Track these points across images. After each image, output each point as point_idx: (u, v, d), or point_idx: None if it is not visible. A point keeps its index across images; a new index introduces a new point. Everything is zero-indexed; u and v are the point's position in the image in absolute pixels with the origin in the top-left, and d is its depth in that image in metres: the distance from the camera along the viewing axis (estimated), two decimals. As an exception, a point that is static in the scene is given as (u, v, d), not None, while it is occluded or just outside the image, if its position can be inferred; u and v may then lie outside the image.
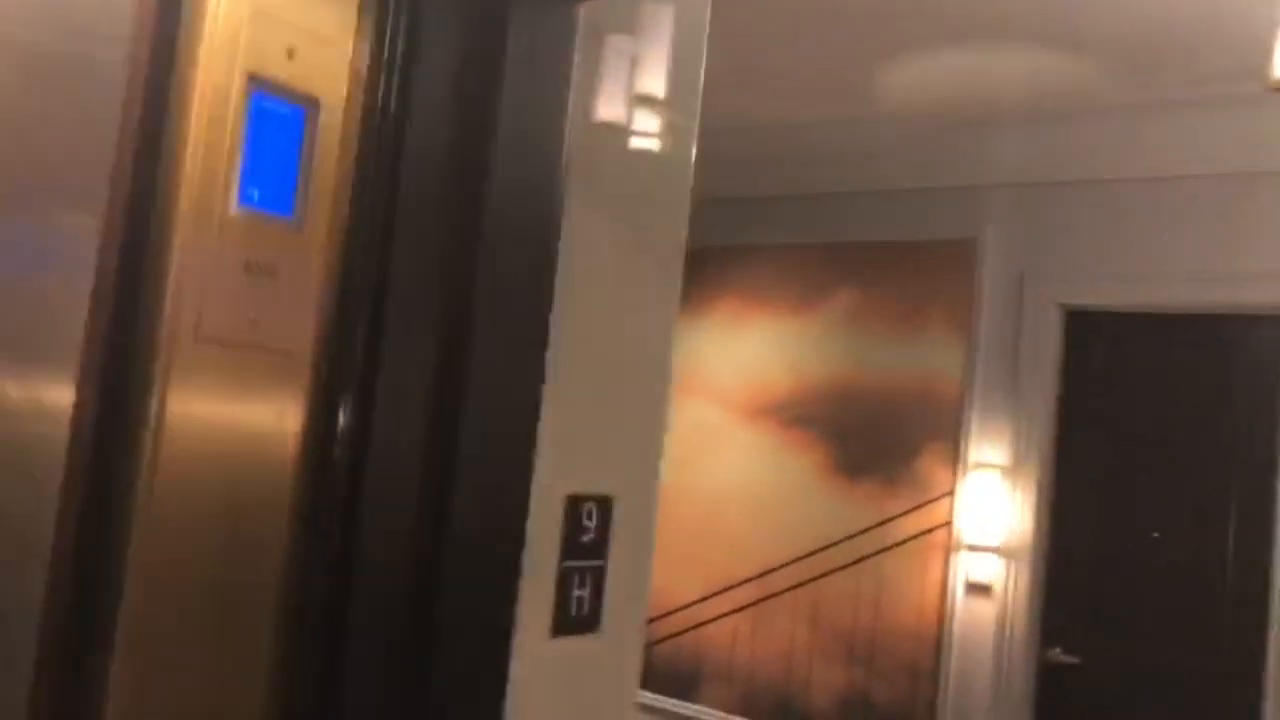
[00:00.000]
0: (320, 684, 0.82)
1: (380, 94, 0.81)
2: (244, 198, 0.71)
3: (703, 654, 4.11)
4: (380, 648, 0.87)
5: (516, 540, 0.98)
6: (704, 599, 4.08)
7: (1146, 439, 3.48)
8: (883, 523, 3.76)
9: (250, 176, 0.71)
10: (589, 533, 1.09)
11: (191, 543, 0.70)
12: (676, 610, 4.06)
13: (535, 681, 1.02)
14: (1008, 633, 3.48)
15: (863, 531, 3.79)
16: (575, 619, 1.07)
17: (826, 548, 3.85)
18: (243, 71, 0.70)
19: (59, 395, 0.64)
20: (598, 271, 1.09)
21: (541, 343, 0.98)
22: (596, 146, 1.09)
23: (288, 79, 0.73)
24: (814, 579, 3.87)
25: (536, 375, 0.99)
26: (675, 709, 4.06)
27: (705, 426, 4.18)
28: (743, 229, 4.09)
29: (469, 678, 0.95)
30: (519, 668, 0.99)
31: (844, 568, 3.81)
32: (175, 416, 0.68)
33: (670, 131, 1.21)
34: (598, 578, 1.10)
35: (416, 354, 0.86)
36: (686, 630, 4.08)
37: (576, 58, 0.99)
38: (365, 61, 0.79)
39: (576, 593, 1.07)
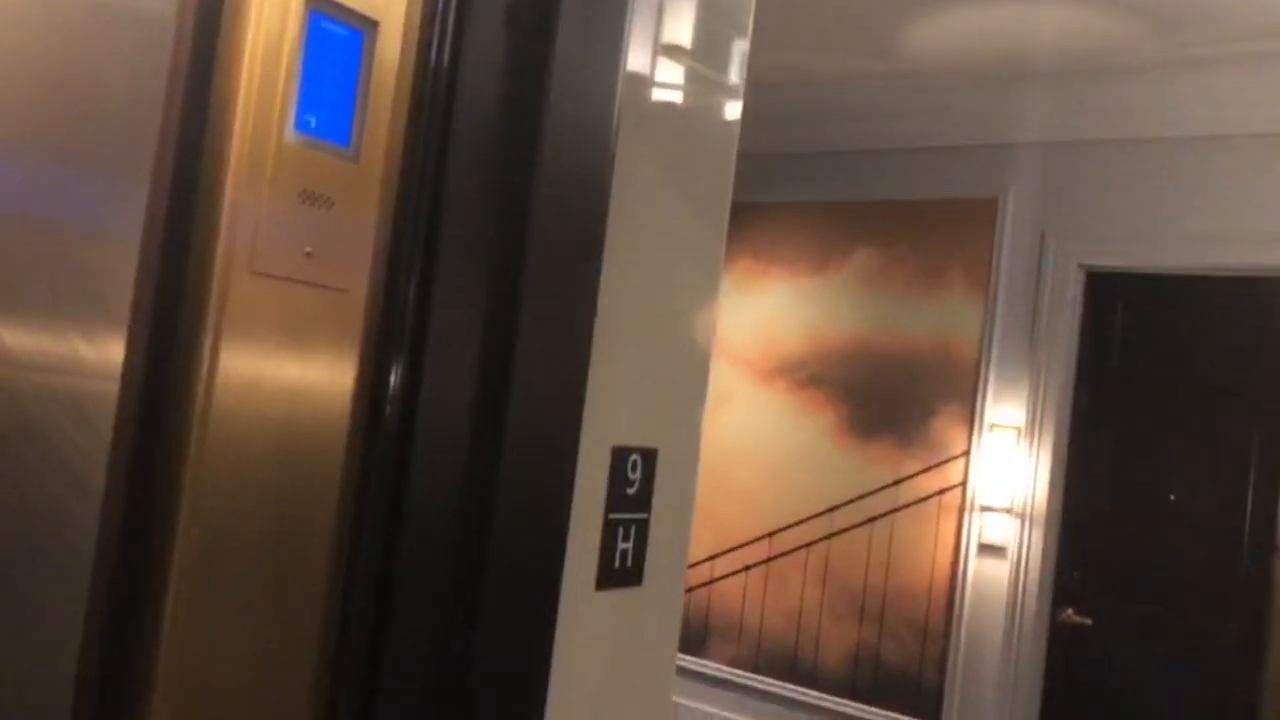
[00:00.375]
0: (370, 635, 0.80)
1: (438, 20, 0.76)
2: (300, 124, 0.67)
3: (713, 610, 4.11)
4: (429, 600, 0.84)
5: (565, 492, 0.96)
6: (714, 556, 4.07)
7: (1165, 401, 3.45)
8: (896, 482, 3.75)
9: (307, 102, 0.67)
10: (633, 485, 1.06)
11: (245, 483, 0.67)
12: (688, 566, 4.06)
13: (580, 634, 1.00)
14: (1020, 593, 3.48)
15: (876, 491, 3.78)
16: (619, 572, 1.04)
17: (838, 507, 3.84)
18: (301, -12, 0.66)
19: (110, 330, 0.61)
20: (647, 223, 1.06)
21: (591, 296, 0.95)
22: (645, 96, 1.04)
23: (346, -1, 0.69)
24: (825, 538, 3.86)
25: (585, 328, 0.95)
26: (683, 664, 4.07)
27: (719, 385, 4.15)
28: (760, 187, 4.04)
29: (516, 630, 0.93)
30: (564, 620, 0.97)
31: (856, 527, 3.80)
32: (229, 351, 0.65)
33: (717, 86, 1.17)
34: (641, 531, 1.07)
35: (469, 296, 0.83)
36: (698, 586, 4.08)
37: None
38: (423, -17, 0.75)
39: (621, 545, 1.05)
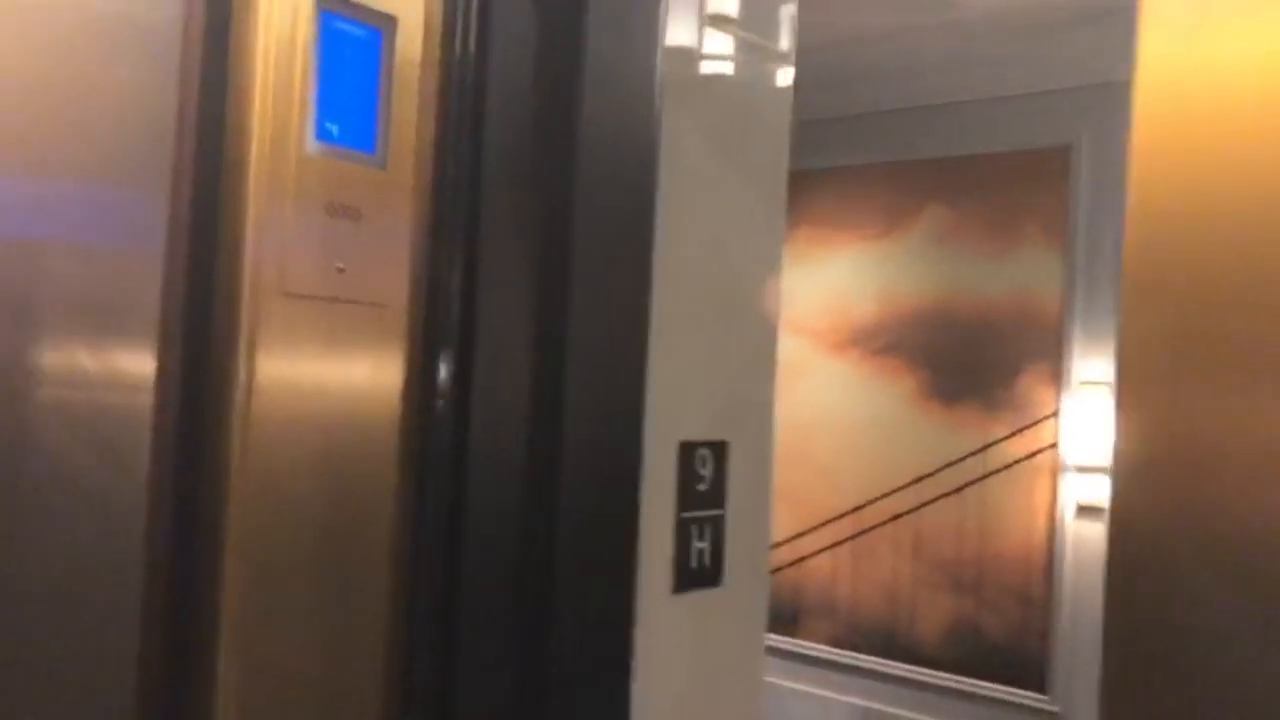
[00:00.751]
0: (434, 647, 0.77)
1: (460, 7, 0.72)
2: (321, 134, 0.64)
3: (802, 589, 4.05)
4: (495, 610, 0.81)
5: (631, 492, 0.91)
6: (799, 535, 4.01)
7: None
8: (984, 448, 3.63)
9: (326, 110, 0.64)
10: (704, 481, 1.01)
11: (291, 504, 0.64)
12: (772, 547, 4.01)
13: (659, 640, 0.96)
14: (1122, 555, 3.34)
15: (963, 459, 3.67)
16: (696, 573, 1.00)
17: (925, 477, 3.74)
18: (309, -11, 0.62)
19: (139, 363, 0.58)
20: (699, 204, 1.00)
21: (644, 281, 0.90)
22: (690, 70, 0.99)
23: (359, -5, 0.65)
24: (914, 509, 3.77)
25: (641, 316, 0.91)
26: (777, 644, 4.02)
27: (788, 359, 4.07)
28: (819, 151, 3.93)
29: (591, 640, 0.89)
30: (641, 626, 0.92)
31: (945, 496, 3.70)
32: (264, 377, 0.62)
33: (766, 53, 1.11)
34: (717, 528, 1.02)
35: (514, 297, 0.79)
36: (784, 567, 4.02)
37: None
38: (441, -27, 0.71)
39: (696, 545, 1.00)
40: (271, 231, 0.62)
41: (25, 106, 0.53)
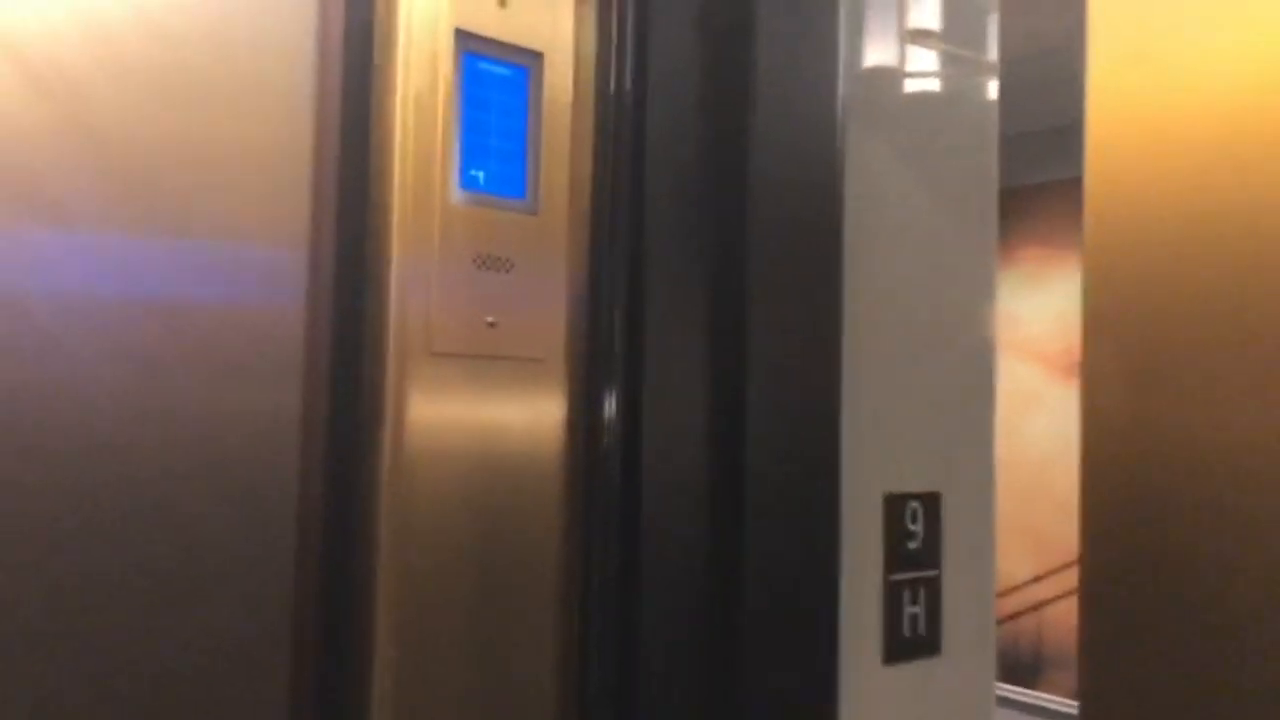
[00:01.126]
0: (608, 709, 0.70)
1: (614, 39, 0.67)
2: (466, 181, 0.60)
3: (1045, 637, 3.74)
4: (677, 686, 0.74)
5: (830, 553, 0.82)
6: (1038, 579, 3.71)
7: None
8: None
9: (471, 156, 0.60)
10: (915, 538, 0.91)
11: (448, 567, 0.60)
12: (1010, 591, 3.73)
13: (869, 718, 0.86)
14: None
15: (1226, 493, 3.28)
16: (910, 641, 0.89)
17: (1181, 514, 3.37)
18: (450, 28, 0.59)
19: (281, 431, 0.56)
20: (895, 231, 0.91)
21: (834, 319, 0.82)
22: (882, 89, 0.90)
23: (503, 31, 0.61)
24: (1170, 550, 3.39)
25: (832, 358, 0.82)
26: (1016, 696, 3.73)
27: (1019, 387, 3.80)
28: (1042, 164, 3.67)
29: (789, 715, 0.80)
30: (847, 702, 0.83)
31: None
32: (412, 441, 0.58)
33: (970, 65, 1.00)
34: (932, 590, 0.91)
35: (684, 346, 0.72)
36: (1023, 612, 3.73)
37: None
38: (590, 5, 0.66)
39: (909, 610, 0.89)
40: (417, 288, 0.58)
41: (163, 165, 0.51)
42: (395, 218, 0.57)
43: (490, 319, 0.61)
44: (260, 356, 0.54)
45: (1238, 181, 0.35)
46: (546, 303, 0.63)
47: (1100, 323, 0.40)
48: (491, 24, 0.60)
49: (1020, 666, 3.76)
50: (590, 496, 0.66)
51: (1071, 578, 3.68)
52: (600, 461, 0.66)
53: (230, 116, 0.53)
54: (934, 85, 0.98)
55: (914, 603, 0.89)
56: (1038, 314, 3.85)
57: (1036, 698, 3.77)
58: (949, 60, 0.98)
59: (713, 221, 0.72)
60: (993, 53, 1.02)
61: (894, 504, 0.89)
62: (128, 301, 0.51)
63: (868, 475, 0.87)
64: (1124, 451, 0.39)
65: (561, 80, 0.63)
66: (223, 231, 0.53)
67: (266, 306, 0.54)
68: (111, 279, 0.50)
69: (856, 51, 0.87)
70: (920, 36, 0.96)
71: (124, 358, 0.50)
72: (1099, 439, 0.41)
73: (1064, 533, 3.71)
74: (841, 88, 0.79)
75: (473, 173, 0.60)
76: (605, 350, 0.66)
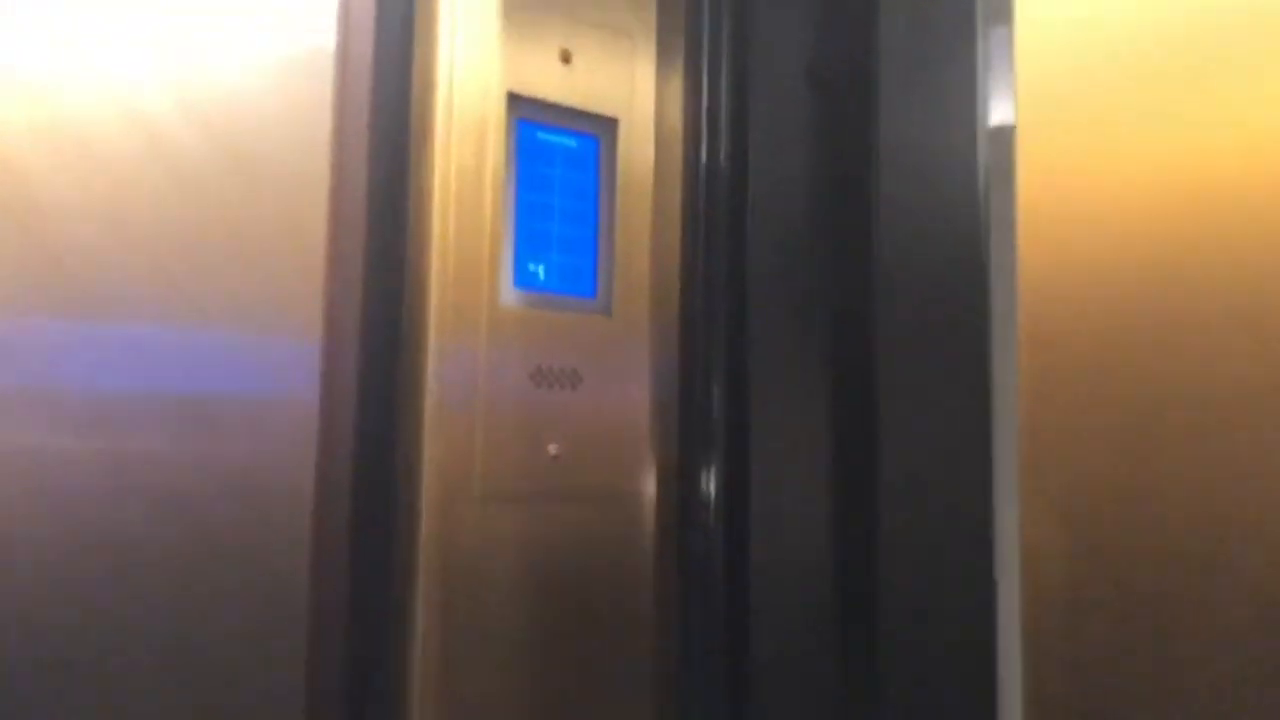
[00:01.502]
0: None
1: (705, 99, 0.55)
2: (522, 278, 0.48)
3: None
4: None
5: (985, 636, 0.66)
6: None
7: None
8: None
9: (528, 245, 0.48)
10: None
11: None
12: None
13: None
14: None
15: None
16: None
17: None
18: (501, 91, 0.47)
19: (288, 596, 0.44)
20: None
21: (983, 413, 0.67)
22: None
23: (568, 94, 0.49)
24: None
25: (982, 457, 0.67)
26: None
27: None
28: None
29: None
30: None
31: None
32: (455, 613, 0.45)
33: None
34: None
35: (801, 477, 0.59)
36: None
37: (981, 41, 0.69)
38: (675, 58, 0.54)
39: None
40: (460, 413, 0.46)
41: (185, 260, 0.41)
42: (432, 325, 0.46)
43: (553, 449, 0.48)
44: (269, 513, 0.42)
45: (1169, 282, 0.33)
46: (622, 424, 0.50)
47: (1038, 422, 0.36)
48: (553, 86, 0.49)
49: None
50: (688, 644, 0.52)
51: None
52: (703, 631, 0.52)
53: (250, 206, 0.43)
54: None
55: None
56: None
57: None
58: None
59: (830, 311, 0.58)
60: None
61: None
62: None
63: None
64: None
65: (640, 151, 0.52)
66: (235, 326, 0.42)
67: (255, 451, 0.43)
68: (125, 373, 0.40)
69: (1002, 104, 0.74)
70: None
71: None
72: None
73: None
74: (983, 150, 0.66)
75: (530, 267, 0.48)
76: (701, 481, 0.53)
